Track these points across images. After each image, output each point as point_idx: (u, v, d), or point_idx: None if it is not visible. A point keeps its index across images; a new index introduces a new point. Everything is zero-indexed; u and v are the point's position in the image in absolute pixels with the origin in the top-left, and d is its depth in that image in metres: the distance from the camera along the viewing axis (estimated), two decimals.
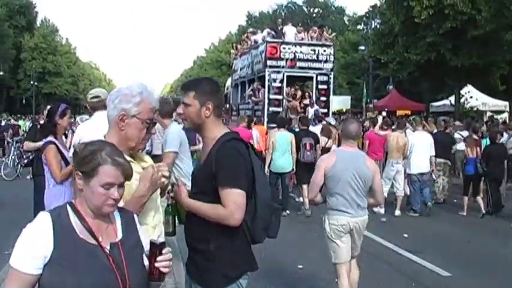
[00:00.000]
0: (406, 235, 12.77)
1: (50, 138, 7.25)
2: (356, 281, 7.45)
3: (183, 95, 4.14)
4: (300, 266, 9.65)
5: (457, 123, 24.48)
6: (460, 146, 19.60)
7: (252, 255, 4.15)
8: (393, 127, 18.36)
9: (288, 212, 14.64)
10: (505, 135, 21.09)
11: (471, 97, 37.46)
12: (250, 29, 36.07)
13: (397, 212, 15.65)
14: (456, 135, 20.45)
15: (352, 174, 6.91)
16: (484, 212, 15.66)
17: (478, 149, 16.78)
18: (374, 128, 18.27)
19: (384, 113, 38.21)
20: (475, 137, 17.66)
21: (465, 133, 20.28)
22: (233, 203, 3.82)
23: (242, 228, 3.95)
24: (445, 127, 21.10)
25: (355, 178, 6.91)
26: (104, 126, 3.76)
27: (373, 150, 16.99)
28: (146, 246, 3.01)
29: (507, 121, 29.42)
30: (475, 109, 37.02)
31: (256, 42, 29.21)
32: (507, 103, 37.71)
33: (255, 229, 4.01)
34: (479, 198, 15.99)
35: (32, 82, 74.42)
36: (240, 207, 3.84)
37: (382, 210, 15.25)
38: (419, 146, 15.88)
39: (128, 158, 3.48)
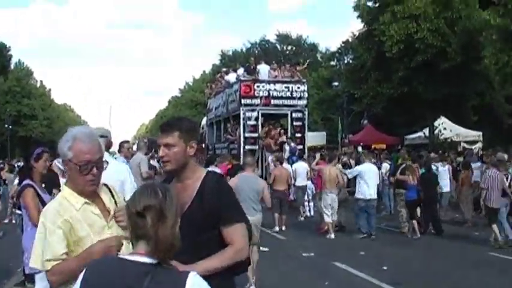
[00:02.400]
0: (385, 267, 12.80)
1: (27, 181, 7.22)
2: (256, 260, 9.98)
3: (164, 136, 3.92)
4: None
5: (432, 155, 24.73)
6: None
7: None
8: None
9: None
10: (478, 163, 21.67)
11: (445, 128, 37.77)
12: (224, 69, 36.31)
13: (332, 235, 17.30)
14: (433, 167, 20.67)
15: (248, 188, 10.79)
16: (418, 235, 17.26)
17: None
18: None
19: (360, 148, 38.51)
20: (414, 165, 19.15)
21: (440, 164, 21.00)
22: (243, 237, 3.81)
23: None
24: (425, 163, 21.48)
25: (251, 191, 10.74)
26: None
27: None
28: None
29: (480, 151, 29.68)
30: (449, 140, 37.32)
31: (229, 81, 29.41)
32: (480, 133, 38.05)
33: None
34: (415, 222, 17.52)
35: (6, 125, 73.85)
36: (247, 239, 3.87)
37: (332, 236, 17.21)
38: (367, 175, 17.54)
39: (84, 200, 3.62)
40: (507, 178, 16.64)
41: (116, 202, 3.86)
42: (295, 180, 21.15)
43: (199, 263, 3.60)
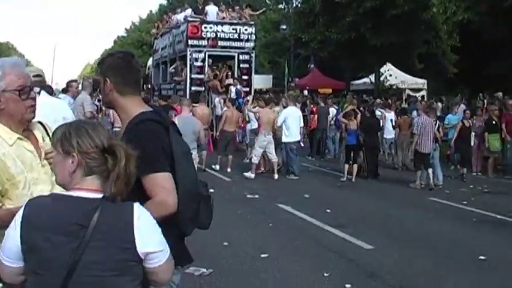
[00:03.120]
0: (328, 210, 12.93)
1: None
2: None
3: None
4: (226, 243, 9.67)
5: (378, 101, 24.97)
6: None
7: (185, 248, 3.76)
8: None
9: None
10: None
11: (390, 75, 38.06)
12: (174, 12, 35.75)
13: (276, 176, 17.80)
14: (377, 113, 20.91)
15: (187, 129, 11.45)
16: (353, 179, 17.70)
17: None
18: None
19: (306, 91, 38.66)
20: (356, 110, 19.65)
21: (384, 110, 21.33)
22: (162, 188, 3.36)
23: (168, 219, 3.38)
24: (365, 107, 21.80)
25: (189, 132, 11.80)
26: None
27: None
28: None
29: (425, 98, 30.06)
30: (394, 87, 37.64)
31: (178, 21, 29.02)
32: (425, 81, 38.44)
33: (179, 220, 3.48)
34: (355, 166, 17.94)
35: None
36: (170, 190, 3.39)
37: (252, 175, 17.76)
38: (290, 118, 18.13)
39: (17, 135, 3.54)
40: (436, 124, 17.22)
41: (50, 140, 3.75)
42: (248, 123, 20.98)
43: None
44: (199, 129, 14.75)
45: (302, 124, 19.25)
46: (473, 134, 18.77)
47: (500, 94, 22.78)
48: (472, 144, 18.89)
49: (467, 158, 18.83)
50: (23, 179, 3.46)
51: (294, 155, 18.30)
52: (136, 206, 2.69)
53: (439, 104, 24.71)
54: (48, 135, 3.73)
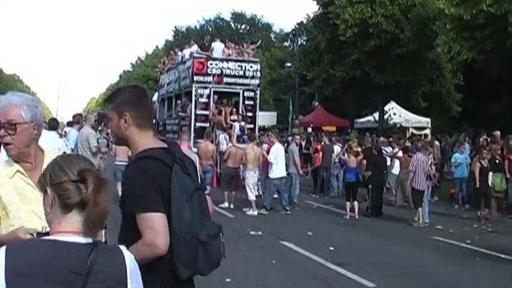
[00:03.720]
0: (332, 248, 12.91)
1: None
2: None
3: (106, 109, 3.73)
4: (228, 280, 9.64)
5: (382, 139, 25.01)
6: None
7: None
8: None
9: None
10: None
11: (394, 114, 38.23)
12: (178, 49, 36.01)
13: (255, 213, 17.99)
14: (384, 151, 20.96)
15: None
16: (357, 216, 17.64)
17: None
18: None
19: (310, 129, 38.77)
20: (356, 149, 19.69)
21: (389, 149, 21.50)
22: (149, 229, 3.25)
23: (166, 261, 3.32)
24: (373, 145, 21.81)
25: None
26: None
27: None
28: None
29: (429, 137, 30.09)
30: (398, 125, 37.75)
31: (183, 57, 29.21)
32: (429, 119, 38.58)
33: (173, 265, 3.35)
34: (355, 203, 17.84)
35: None
36: (159, 231, 3.25)
37: (255, 213, 17.88)
38: (278, 155, 18.44)
39: (17, 168, 3.64)
40: (429, 162, 17.57)
41: None
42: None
43: None
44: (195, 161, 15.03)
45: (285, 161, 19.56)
46: (490, 174, 18.58)
47: (498, 133, 22.84)
48: (490, 184, 18.67)
49: (489, 197, 18.60)
50: (16, 209, 3.53)
51: (282, 191, 18.65)
52: (124, 249, 2.58)
53: (436, 143, 24.75)
54: None
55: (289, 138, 24.09)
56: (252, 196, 18.13)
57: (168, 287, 3.41)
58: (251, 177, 18.48)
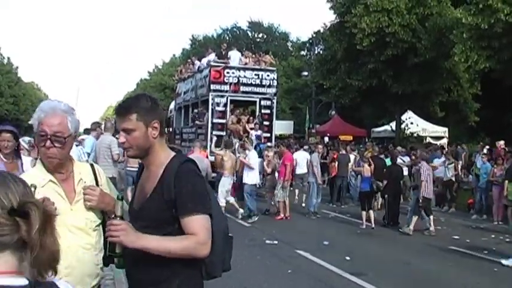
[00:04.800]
0: (348, 257, 12.87)
1: None
2: None
3: (121, 120, 3.46)
4: None
5: (399, 148, 24.96)
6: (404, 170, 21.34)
7: None
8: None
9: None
10: (442, 158, 22.27)
11: (411, 123, 38.09)
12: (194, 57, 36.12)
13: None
14: (398, 160, 20.93)
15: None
16: (373, 225, 17.60)
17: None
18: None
19: (326, 138, 38.73)
20: (369, 158, 19.49)
21: (407, 158, 21.47)
22: (206, 230, 3.27)
23: (200, 261, 3.39)
24: (380, 152, 22.05)
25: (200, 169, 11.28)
26: None
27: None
28: None
29: (445, 146, 29.97)
30: (415, 135, 37.62)
31: (200, 65, 29.31)
32: (446, 129, 38.43)
33: (212, 262, 3.44)
34: (371, 212, 17.96)
35: None
36: (210, 234, 3.30)
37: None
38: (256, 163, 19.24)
39: (50, 178, 3.59)
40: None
41: (97, 184, 3.81)
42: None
43: (154, 237, 3.24)
44: (206, 167, 16.06)
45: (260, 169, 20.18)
46: (506, 182, 18.52)
47: (501, 143, 22.93)
48: (505, 193, 18.64)
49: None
50: None
51: (252, 198, 18.83)
52: (63, 285, 2.08)
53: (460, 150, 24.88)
54: (95, 178, 3.82)
55: (305, 147, 24.06)
56: (223, 202, 17.63)
57: (199, 283, 3.50)
58: (227, 184, 18.51)
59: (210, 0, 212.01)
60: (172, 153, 3.52)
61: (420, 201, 16.76)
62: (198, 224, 3.26)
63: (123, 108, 3.46)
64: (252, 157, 19.05)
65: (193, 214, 3.26)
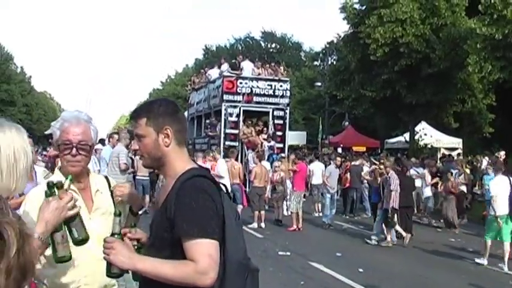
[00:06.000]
0: (361, 269, 12.77)
1: None
2: None
3: (133, 126, 3.26)
4: None
5: (413, 159, 24.83)
6: (417, 182, 21.10)
7: None
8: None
9: None
10: (455, 171, 22.12)
11: (425, 134, 37.90)
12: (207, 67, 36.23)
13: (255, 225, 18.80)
14: (412, 172, 20.81)
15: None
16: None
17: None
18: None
19: (340, 149, 38.63)
20: (379, 169, 19.27)
21: (420, 170, 21.34)
22: (207, 257, 2.82)
23: None
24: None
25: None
26: None
27: None
28: None
29: (461, 157, 29.85)
30: (429, 146, 37.43)
31: (213, 76, 29.38)
32: (460, 140, 38.21)
33: None
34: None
35: None
36: (215, 262, 2.84)
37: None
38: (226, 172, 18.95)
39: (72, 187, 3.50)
40: None
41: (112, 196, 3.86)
42: (309, 179, 21.72)
43: (151, 259, 2.92)
44: None
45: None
46: None
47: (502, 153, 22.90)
48: None
49: None
50: None
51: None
52: None
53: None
54: (110, 189, 3.87)
55: (318, 157, 24.04)
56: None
57: None
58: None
59: (210, 0, 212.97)
60: (190, 166, 3.16)
61: (389, 211, 16.62)
62: (197, 249, 2.83)
63: (134, 112, 3.28)
64: (220, 165, 18.87)
65: (189, 238, 2.86)
